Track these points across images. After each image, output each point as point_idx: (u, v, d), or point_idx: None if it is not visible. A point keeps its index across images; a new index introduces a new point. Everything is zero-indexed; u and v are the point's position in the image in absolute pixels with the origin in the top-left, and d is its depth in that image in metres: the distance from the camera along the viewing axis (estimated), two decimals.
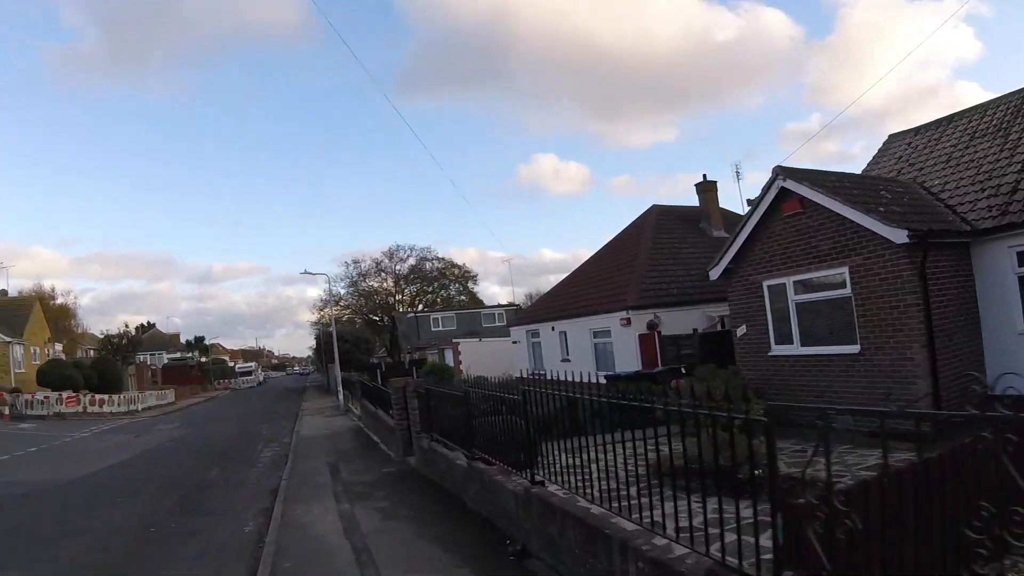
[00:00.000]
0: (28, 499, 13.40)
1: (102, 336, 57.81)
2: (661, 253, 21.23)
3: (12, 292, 54.02)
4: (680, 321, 18.36)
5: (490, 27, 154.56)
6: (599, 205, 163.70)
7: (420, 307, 65.07)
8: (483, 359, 34.60)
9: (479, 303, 66.38)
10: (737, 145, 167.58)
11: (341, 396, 32.82)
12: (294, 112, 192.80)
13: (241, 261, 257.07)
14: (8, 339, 40.95)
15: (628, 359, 18.89)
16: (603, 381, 11.32)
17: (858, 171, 15.94)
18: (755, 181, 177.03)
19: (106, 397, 37.86)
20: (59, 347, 54.78)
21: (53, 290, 63.67)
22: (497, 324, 54.09)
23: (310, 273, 44.96)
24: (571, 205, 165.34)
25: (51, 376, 40.21)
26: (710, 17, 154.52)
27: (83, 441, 25.09)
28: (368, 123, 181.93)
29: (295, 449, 19.67)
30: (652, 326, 18.54)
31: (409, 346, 52.39)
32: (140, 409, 41.10)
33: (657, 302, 19.07)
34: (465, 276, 74.72)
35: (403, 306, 72.25)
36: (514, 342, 30.11)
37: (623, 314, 19.29)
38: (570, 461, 6.56)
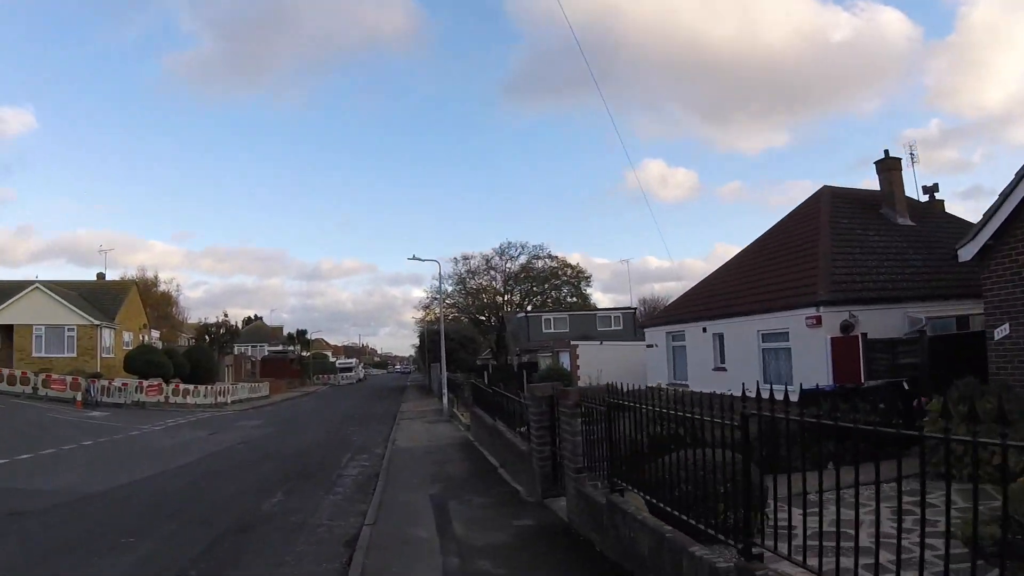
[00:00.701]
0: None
1: (199, 325, 55.51)
2: (843, 241, 17.49)
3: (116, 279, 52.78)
4: (878, 322, 14.86)
5: (596, 30, 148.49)
6: (707, 212, 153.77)
7: (529, 308, 59.54)
8: (604, 365, 28.72)
9: (590, 306, 59.93)
10: (852, 152, 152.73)
11: (446, 400, 27.50)
12: (406, 116, 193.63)
13: (348, 260, 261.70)
14: (97, 322, 38.28)
15: (813, 369, 14.91)
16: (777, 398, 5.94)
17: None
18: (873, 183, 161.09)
19: (192, 387, 34.29)
20: (156, 334, 52.82)
21: (156, 277, 62.57)
22: (613, 328, 47.76)
23: (419, 259, 40.33)
24: (678, 212, 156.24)
25: (139, 362, 37.22)
26: (825, 17, 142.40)
27: (149, 436, 21.29)
28: (479, 128, 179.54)
29: (388, 467, 14.33)
30: (848, 327, 14.88)
31: (518, 348, 46.88)
32: (230, 402, 37.48)
33: (852, 298, 15.39)
34: (578, 276, 68.70)
35: (511, 306, 67.07)
36: (648, 346, 24.12)
37: (811, 311, 15.44)
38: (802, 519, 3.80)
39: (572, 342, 33.34)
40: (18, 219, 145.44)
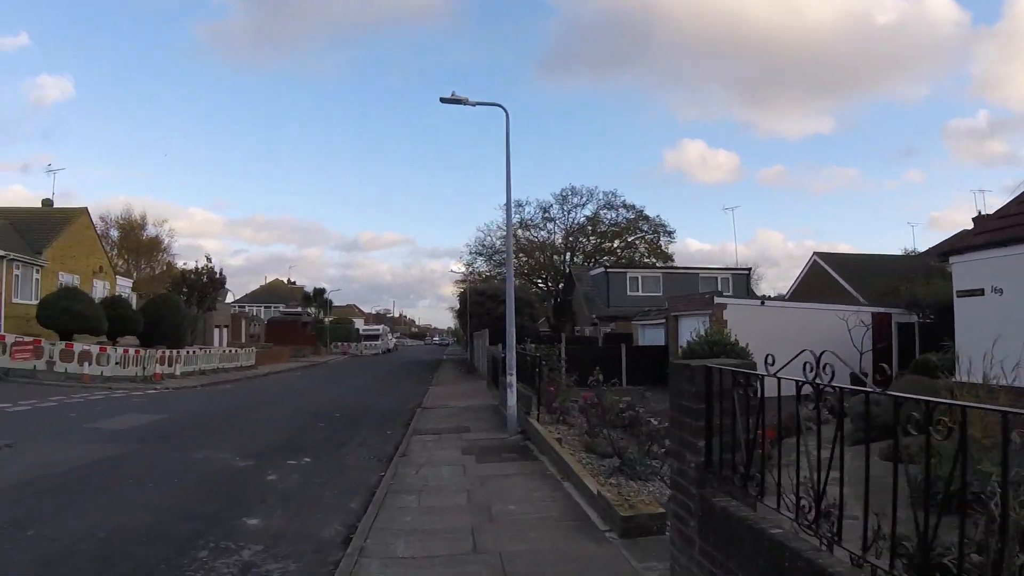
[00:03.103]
0: None
1: (174, 272, 43.68)
2: None
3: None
4: None
5: (632, 4, 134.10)
6: (748, 195, 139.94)
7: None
8: (766, 333, 16.02)
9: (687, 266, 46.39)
10: (896, 140, 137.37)
11: (511, 392, 13.50)
12: (442, 88, 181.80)
13: (387, 232, 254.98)
14: (2, 254, 26.69)
15: None
16: None
17: None
18: (918, 179, 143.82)
19: (96, 350, 22.46)
20: (126, 284, 41.40)
21: (143, 218, 51.14)
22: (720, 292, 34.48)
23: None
24: (718, 194, 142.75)
25: (53, 311, 25.58)
26: None
27: None
28: (518, 101, 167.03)
29: None
30: None
31: (594, 314, 34.02)
32: (178, 373, 25.61)
33: None
34: (657, 232, 55.11)
35: (567, 268, 54.12)
36: (971, 294, 10.96)
37: None
38: None
39: (718, 300, 20.32)
40: (59, 186, 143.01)
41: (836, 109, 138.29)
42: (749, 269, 40.34)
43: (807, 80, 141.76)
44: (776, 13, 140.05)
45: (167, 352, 25.90)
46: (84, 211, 35.81)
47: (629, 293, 36.06)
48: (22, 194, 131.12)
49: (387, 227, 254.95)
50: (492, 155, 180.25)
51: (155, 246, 50.91)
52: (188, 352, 27.75)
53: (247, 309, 67.57)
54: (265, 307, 69.80)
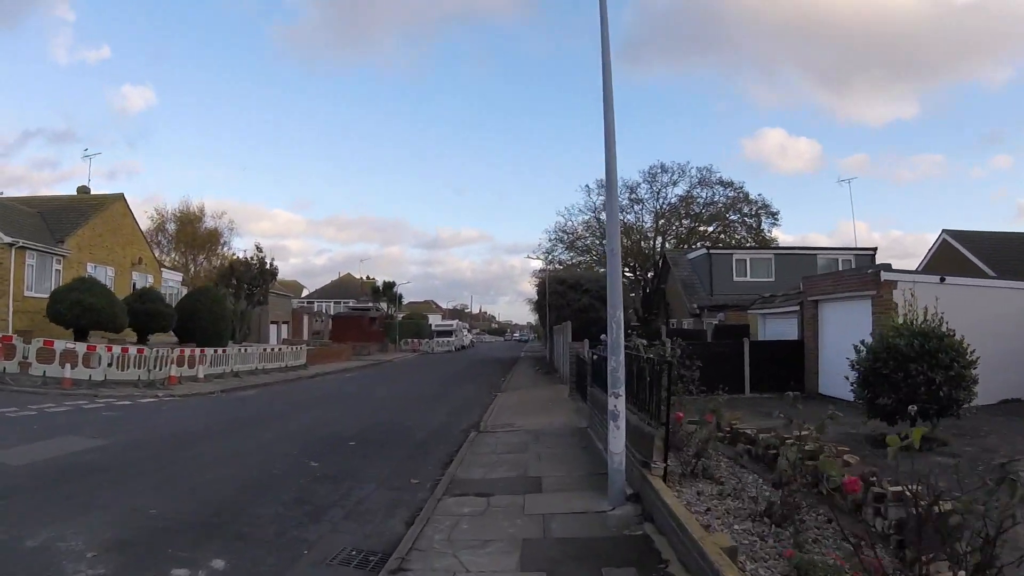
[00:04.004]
0: None
1: (221, 264, 40.08)
2: None
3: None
4: None
5: None
6: (828, 185, 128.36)
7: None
8: (966, 318, 10.01)
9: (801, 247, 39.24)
10: (979, 125, 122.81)
11: (618, 430, 6.73)
12: (517, 82, 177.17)
13: (466, 228, 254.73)
14: (9, 239, 23.30)
15: None
16: None
17: None
18: (1006, 165, 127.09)
19: (83, 350, 18.32)
20: (176, 278, 38.25)
21: (201, 210, 48.27)
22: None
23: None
24: (799, 184, 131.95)
25: (62, 307, 21.92)
26: None
27: None
28: (587, 92, 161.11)
29: None
30: None
31: (696, 304, 28.01)
32: (201, 376, 21.44)
33: None
34: (757, 214, 47.92)
35: (656, 255, 47.87)
36: None
37: None
38: None
39: (887, 275, 14.15)
40: (145, 190, 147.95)
41: (917, 94, 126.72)
42: (874, 249, 33.09)
43: (887, 63, 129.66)
44: None
45: (189, 351, 21.76)
46: (120, 197, 32.49)
47: (735, 278, 29.84)
48: None
49: (466, 223, 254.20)
50: (572, 142, 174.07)
51: (214, 239, 47.92)
52: (217, 351, 23.56)
53: (314, 305, 64.40)
54: (335, 302, 66.61)
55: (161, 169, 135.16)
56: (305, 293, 77.47)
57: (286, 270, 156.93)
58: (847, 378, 10.05)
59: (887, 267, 15.89)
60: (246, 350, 26.08)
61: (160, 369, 19.89)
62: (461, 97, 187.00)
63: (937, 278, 14.92)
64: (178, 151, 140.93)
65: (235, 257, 36.98)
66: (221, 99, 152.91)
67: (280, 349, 29.20)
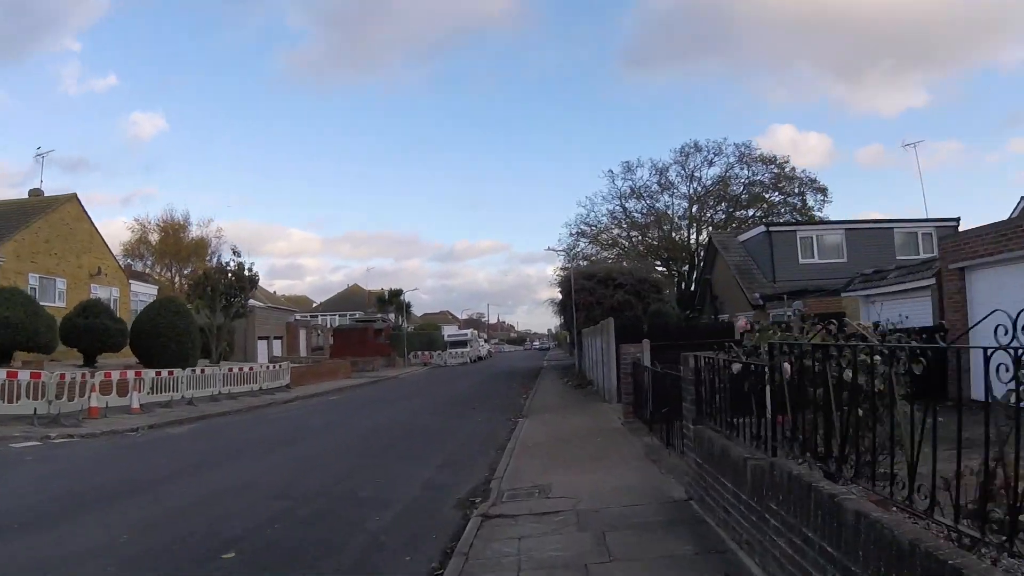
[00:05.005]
0: None
1: (196, 273, 35.36)
2: None
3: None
4: None
5: None
6: (843, 177, 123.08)
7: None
8: None
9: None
10: (996, 110, 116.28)
11: None
12: (526, 93, 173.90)
13: (482, 240, 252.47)
14: None
15: None
16: None
17: None
18: (1021, 150, 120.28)
19: None
20: (151, 291, 33.88)
21: (186, 219, 44.04)
22: (922, 255, 22.36)
23: None
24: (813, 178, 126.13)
25: None
26: None
27: None
28: (594, 101, 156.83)
29: None
30: None
31: (757, 292, 22.91)
32: (136, 405, 16.76)
33: None
34: (802, 193, 42.24)
35: (692, 245, 42.67)
36: None
37: None
38: None
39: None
40: (160, 214, 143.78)
41: (929, 81, 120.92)
42: (957, 219, 27.53)
43: (897, 51, 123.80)
44: None
45: (119, 375, 17.13)
46: (72, 198, 28.19)
47: (801, 260, 24.78)
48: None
49: (481, 235, 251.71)
50: (583, 146, 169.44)
51: (201, 250, 43.64)
52: (160, 374, 18.91)
53: (318, 318, 59.95)
54: (341, 315, 62.16)
55: (176, 194, 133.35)
56: (314, 307, 73.41)
57: (302, 288, 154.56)
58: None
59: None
60: (204, 371, 21.39)
61: (73, 399, 15.28)
62: (470, 109, 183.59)
63: None
64: (193, 175, 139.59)
65: (208, 265, 32.44)
66: (232, 122, 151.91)
67: (252, 369, 24.44)
